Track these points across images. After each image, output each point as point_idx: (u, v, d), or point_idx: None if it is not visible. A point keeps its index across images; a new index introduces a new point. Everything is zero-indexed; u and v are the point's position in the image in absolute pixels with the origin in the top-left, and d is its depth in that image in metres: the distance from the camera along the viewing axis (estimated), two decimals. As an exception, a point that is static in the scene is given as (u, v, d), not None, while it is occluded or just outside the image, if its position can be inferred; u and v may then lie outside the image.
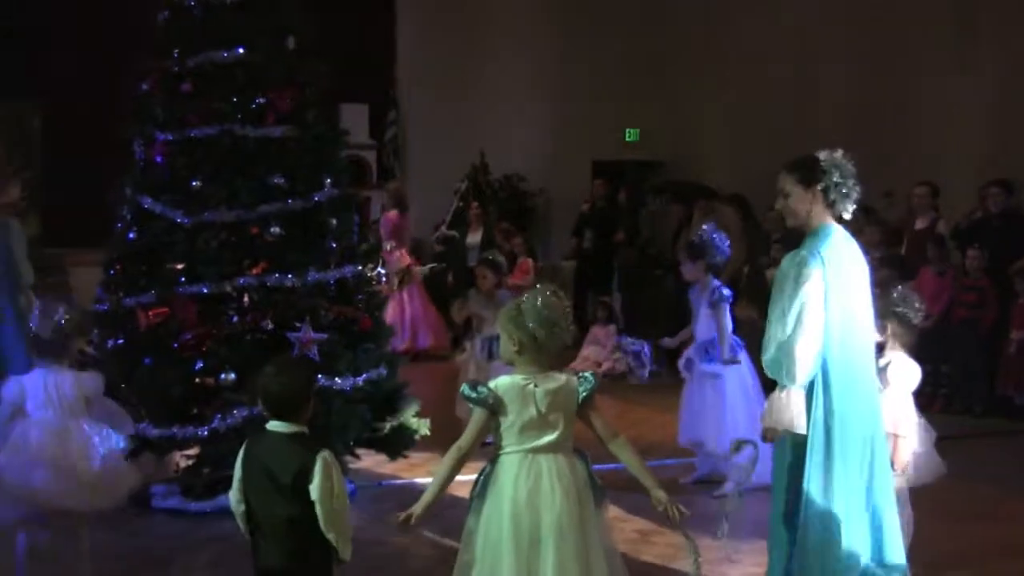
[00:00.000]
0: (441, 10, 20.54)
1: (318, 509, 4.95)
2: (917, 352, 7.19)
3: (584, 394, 5.34)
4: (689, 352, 9.69)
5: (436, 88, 20.44)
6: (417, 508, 5.33)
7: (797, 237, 6.22)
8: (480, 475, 5.39)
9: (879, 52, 15.63)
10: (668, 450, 9.97)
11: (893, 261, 12.86)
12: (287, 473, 4.96)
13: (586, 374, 5.47)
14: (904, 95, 15.30)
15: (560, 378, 5.36)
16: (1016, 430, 11.82)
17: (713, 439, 9.41)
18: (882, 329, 7.12)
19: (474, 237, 17.42)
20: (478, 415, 5.35)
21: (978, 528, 8.37)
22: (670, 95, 18.23)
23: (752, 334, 13.14)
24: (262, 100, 8.71)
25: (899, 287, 7.44)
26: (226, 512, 8.09)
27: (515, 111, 19.29)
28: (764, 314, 6.09)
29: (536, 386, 5.28)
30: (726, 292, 9.48)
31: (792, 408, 5.91)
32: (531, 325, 5.27)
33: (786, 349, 5.87)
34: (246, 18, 8.77)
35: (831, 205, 6.05)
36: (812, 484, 5.97)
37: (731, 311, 9.62)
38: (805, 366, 5.87)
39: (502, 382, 5.35)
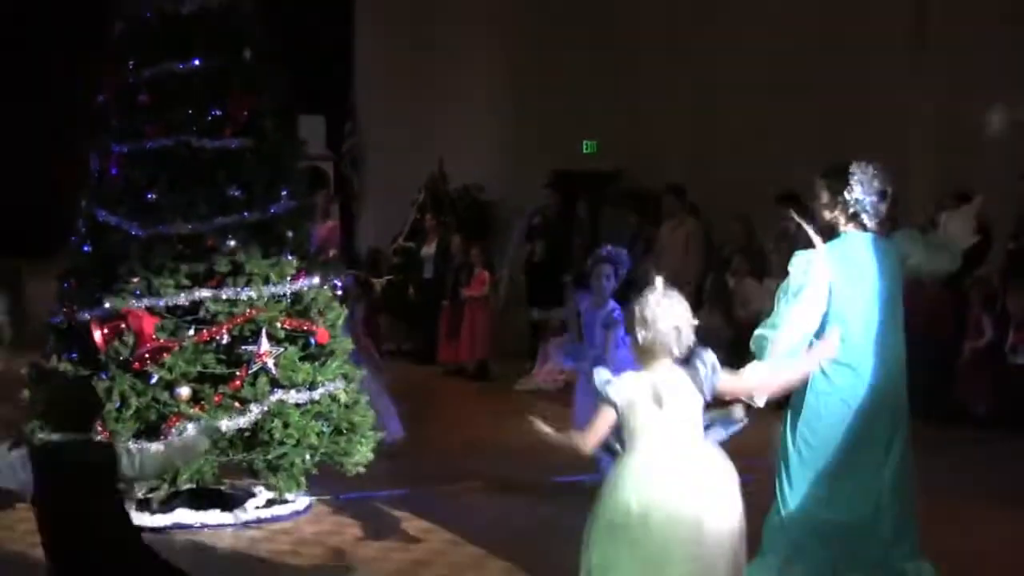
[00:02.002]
0: (399, 20, 20.54)
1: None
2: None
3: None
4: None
5: (394, 99, 20.43)
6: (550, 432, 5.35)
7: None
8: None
9: (835, 64, 15.69)
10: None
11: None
12: (102, 469, 5.51)
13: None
14: (862, 105, 15.38)
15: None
16: (973, 438, 11.88)
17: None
18: None
19: (429, 248, 17.39)
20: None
21: (939, 534, 8.38)
22: (630, 105, 18.25)
23: (714, 343, 13.23)
24: (219, 112, 8.67)
25: None
26: (182, 527, 8.11)
27: (473, 121, 19.27)
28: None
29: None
30: (617, 315, 9.29)
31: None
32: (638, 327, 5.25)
33: (772, 330, 6.17)
34: (203, 29, 8.73)
35: (853, 216, 6.33)
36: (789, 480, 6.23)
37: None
38: (779, 351, 6.10)
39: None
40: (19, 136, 19.85)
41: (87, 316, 8.34)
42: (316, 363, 8.48)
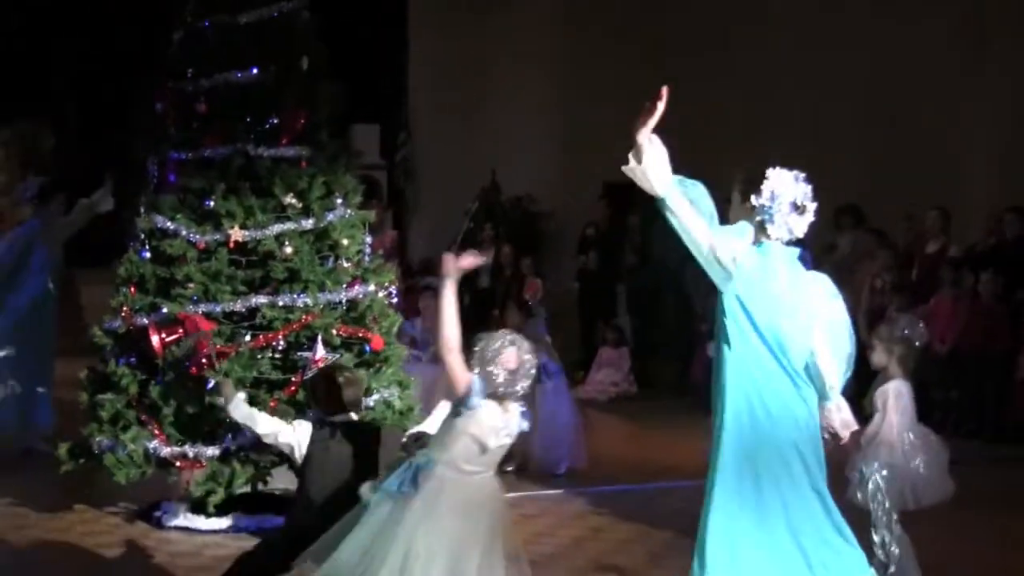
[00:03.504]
0: (453, 31, 20.57)
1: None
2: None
3: None
4: None
5: (448, 109, 20.47)
6: None
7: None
8: None
9: (892, 77, 15.65)
10: (683, 472, 9.93)
11: (904, 286, 12.90)
12: (363, 454, 6.08)
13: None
14: (917, 117, 15.32)
15: None
16: (1026, 456, 11.78)
17: None
18: (887, 353, 7.18)
19: (486, 258, 17.43)
20: None
21: (995, 553, 8.35)
22: (683, 116, 18.21)
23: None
24: (275, 121, 8.76)
25: (903, 315, 7.50)
26: (237, 531, 8.16)
27: (526, 132, 19.29)
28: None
29: None
30: None
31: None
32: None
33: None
34: (260, 39, 8.82)
35: (761, 225, 5.82)
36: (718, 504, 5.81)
37: None
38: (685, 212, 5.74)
39: None
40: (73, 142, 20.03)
41: (145, 321, 8.42)
42: (371, 370, 8.52)
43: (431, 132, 21.01)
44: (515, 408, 5.51)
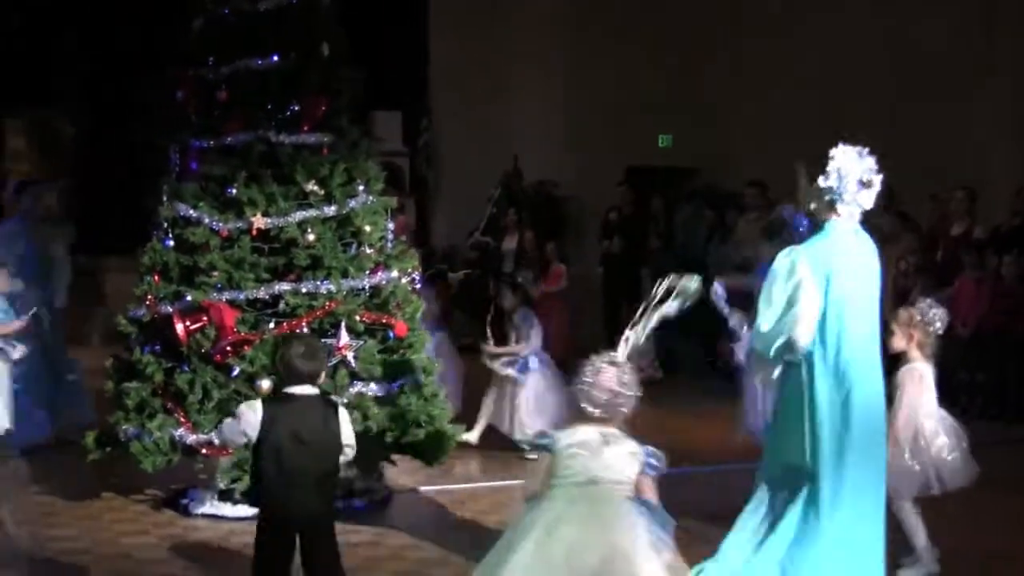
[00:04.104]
0: (473, 17, 20.57)
1: (347, 449, 6.01)
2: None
3: None
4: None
5: (469, 94, 20.47)
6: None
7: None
8: None
9: (911, 56, 15.60)
10: (705, 459, 9.92)
11: (929, 268, 12.84)
12: (322, 429, 5.87)
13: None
14: (939, 98, 15.27)
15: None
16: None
17: None
18: (905, 338, 7.16)
19: (510, 243, 17.44)
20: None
21: (1015, 535, 8.32)
22: (705, 101, 18.21)
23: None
24: (296, 107, 8.74)
25: (924, 298, 7.49)
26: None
27: (548, 117, 19.28)
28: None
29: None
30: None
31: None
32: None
33: (781, 328, 5.78)
34: (280, 26, 8.80)
35: (830, 205, 5.95)
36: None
37: None
38: (805, 335, 5.78)
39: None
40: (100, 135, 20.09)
41: (169, 309, 8.44)
42: (395, 356, 8.52)
43: (453, 117, 21.02)
44: (619, 433, 5.46)
